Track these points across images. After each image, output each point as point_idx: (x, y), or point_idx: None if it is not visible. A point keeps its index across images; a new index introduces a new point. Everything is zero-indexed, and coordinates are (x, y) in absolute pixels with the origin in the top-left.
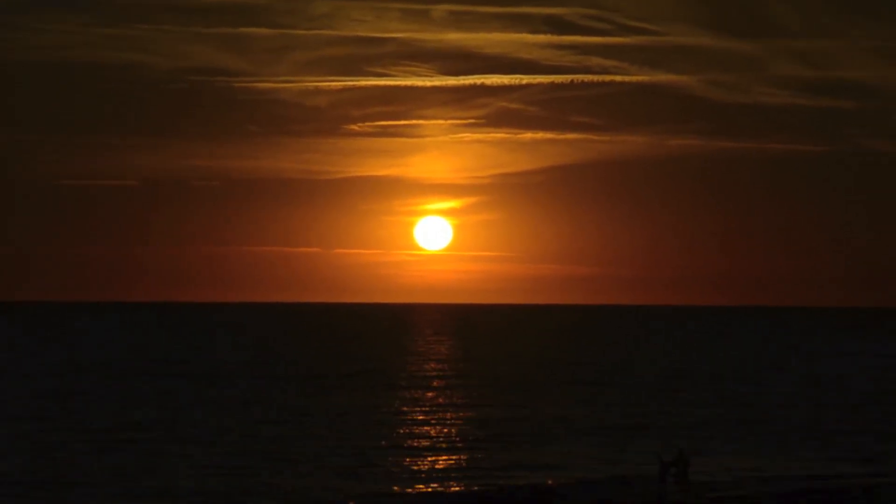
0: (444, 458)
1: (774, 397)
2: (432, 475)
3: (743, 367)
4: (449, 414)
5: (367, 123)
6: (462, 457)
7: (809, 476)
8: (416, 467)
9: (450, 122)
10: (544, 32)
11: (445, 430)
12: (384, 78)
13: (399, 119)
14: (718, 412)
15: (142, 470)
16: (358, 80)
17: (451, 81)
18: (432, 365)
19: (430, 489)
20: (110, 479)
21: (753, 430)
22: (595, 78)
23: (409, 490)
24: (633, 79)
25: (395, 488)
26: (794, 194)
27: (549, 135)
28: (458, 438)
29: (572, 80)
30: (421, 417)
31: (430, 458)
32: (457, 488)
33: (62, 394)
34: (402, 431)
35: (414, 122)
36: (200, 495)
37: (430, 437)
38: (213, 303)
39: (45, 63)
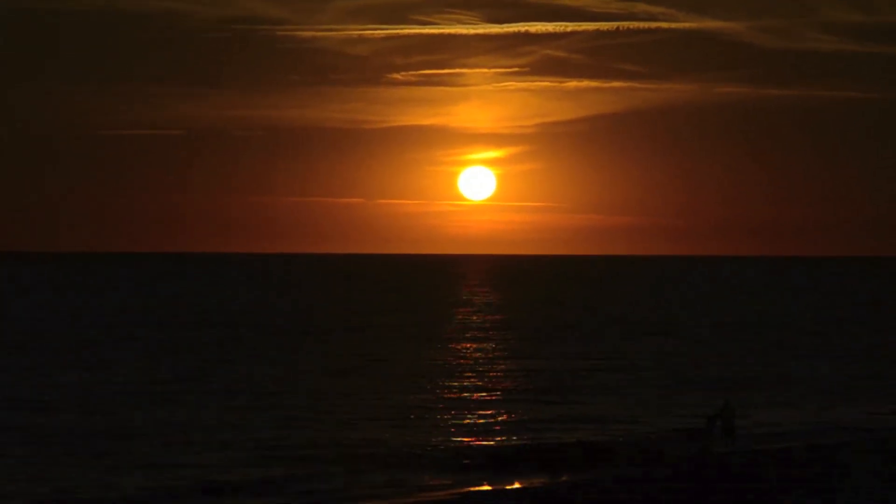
0: (491, 411)
1: (830, 348)
2: (479, 429)
3: (798, 317)
4: (495, 366)
5: (411, 72)
6: (510, 410)
7: (859, 428)
8: (461, 421)
9: (494, 70)
10: None
11: (491, 383)
12: (428, 26)
13: (443, 68)
14: (771, 364)
15: (190, 423)
16: (401, 29)
17: (496, 29)
18: (476, 317)
19: (477, 443)
20: (164, 432)
21: (808, 383)
22: (641, 25)
23: (455, 443)
24: (681, 25)
25: (439, 440)
26: (842, 142)
27: (594, 83)
28: (504, 391)
29: (618, 28)
30: (467, 371)
31: (477, 412)
32: (504, 442)
33: (103, 344)
34: (446, 384)
35: (458, 70)
36: (249, 449)
37: (477, 390)
38: (255, 253)
39: (88, 12)
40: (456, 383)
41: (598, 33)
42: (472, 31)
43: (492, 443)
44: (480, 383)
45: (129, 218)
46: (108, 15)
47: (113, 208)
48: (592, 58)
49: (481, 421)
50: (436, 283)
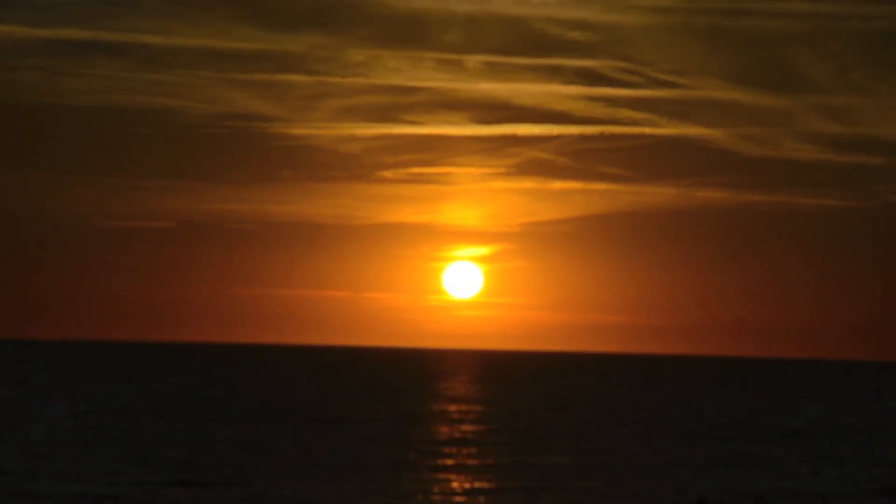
0: None
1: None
2: None
3: (806, 423)
4: (490, 469)
5: (400, 170)
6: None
7: None
8: None
9: (481, 170)
10: (576, 84)
11: (487, 487)
12: (417, 126)
13: (431, 166)
14: (786, 474)
15: None
16: (392, 128)
17: (484, 130)
18: (470, 414)
19: None
20: None
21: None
22: (625, 130)
23: None
24: (663, 131)
25: None
26: (821, 248)
27: (579, 185)
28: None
29: (602, 132)
30: (464, 476)
31: None
32: None
33: (105, 435)
34: (442, 489)
35: (446, 169)
36: None
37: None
38: (243, 344)
39: (84, 107)
40: (455, 488)
41: (583, 137)
42: (460, 132)
43: None
44: (483, 484)
45: (119, 307)
46: (103, 110)
47: (104, 297)
48: (577, 160)
49: None
50: (425, 377)
